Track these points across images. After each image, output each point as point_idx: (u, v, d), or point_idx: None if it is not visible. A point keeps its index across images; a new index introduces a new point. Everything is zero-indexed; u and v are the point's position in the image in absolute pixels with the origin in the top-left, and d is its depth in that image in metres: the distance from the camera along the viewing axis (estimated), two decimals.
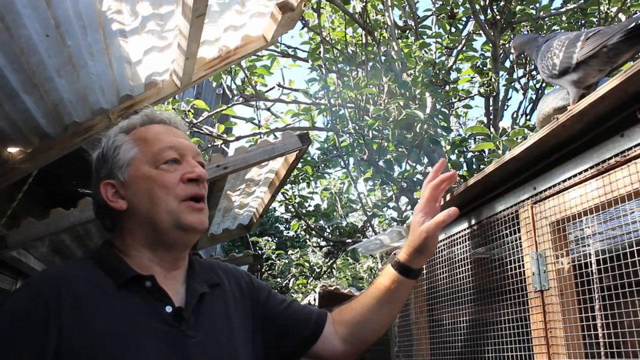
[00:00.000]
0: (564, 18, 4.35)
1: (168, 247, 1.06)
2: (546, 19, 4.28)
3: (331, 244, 5.52)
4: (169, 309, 1.00)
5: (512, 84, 4.47)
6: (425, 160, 4.10)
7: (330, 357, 1.23)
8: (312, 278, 7.52)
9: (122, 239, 1.07)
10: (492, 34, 3.85)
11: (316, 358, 1.23)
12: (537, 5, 4.15)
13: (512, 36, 4.25)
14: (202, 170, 1.09)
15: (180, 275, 1.10)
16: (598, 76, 1.18)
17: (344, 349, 1.23)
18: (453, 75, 4.46)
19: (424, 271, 1.56)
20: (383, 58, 4.14)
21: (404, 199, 4.64)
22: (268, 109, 4.99)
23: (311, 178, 5.19)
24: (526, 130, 2.71)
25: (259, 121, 4.79)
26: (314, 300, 5.99)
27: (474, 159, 3.71)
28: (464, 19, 4.54)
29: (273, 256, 8.57)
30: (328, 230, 5.48)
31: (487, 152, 3.46)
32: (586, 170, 0.99)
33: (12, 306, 0.95)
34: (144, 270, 1.03)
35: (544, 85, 4.45)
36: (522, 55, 1.52)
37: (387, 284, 1.23)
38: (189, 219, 1.04)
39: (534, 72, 4.45)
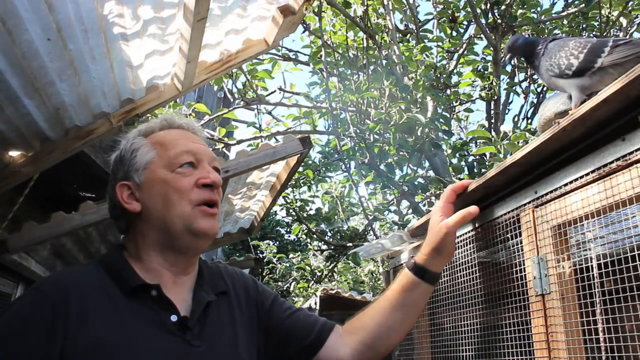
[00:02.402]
0: (565, 22, 4.36)
1: (179, 252, 1.07)
2: (547, 23, 4.28)
3: (332, 247, 5.51)
4: (174, 318, 1.00)
5: (514, 88, 4.48)
6: (427, 164, 4.11)
7: None
8: (313, 282, 7.51)
9: (134, 241, 1.08)
10: (493, 37, 3.86)
11: None
12: (539, 9, 4.15)
13: None
14: (217, 176, 1.09)
15: (189, 281, 1.10)
16: (609, 84, 1.17)
17: None
18: (454, 79, 4.48)
19: None
20: (384, 62, 4.14)
21: (405, 203, 4.64)
22: (269, 113, 5.00)
23: (312, 182, 5.20)
24: (527, 134, 2.71)
25: (260, 125, 4.79)
26: (315, 304, 5.98)
27: (475, 163, 3.72)
28: (465, 22, 4.56)
29: (274, 260, 8.54)
30: (329, 234, 5.48)
31: (488, 155, 3.46)
32: (587, 174, 0.99)
33: (20, 309, 0.95)
34: (153, 275, 1.03)
35: (545, 89, 4.45)
36: (515, 58, 1.51)
37: (402, 286, 1.20)
38: (201, 224, 1.04)
39: (535, 76, 4.46)
